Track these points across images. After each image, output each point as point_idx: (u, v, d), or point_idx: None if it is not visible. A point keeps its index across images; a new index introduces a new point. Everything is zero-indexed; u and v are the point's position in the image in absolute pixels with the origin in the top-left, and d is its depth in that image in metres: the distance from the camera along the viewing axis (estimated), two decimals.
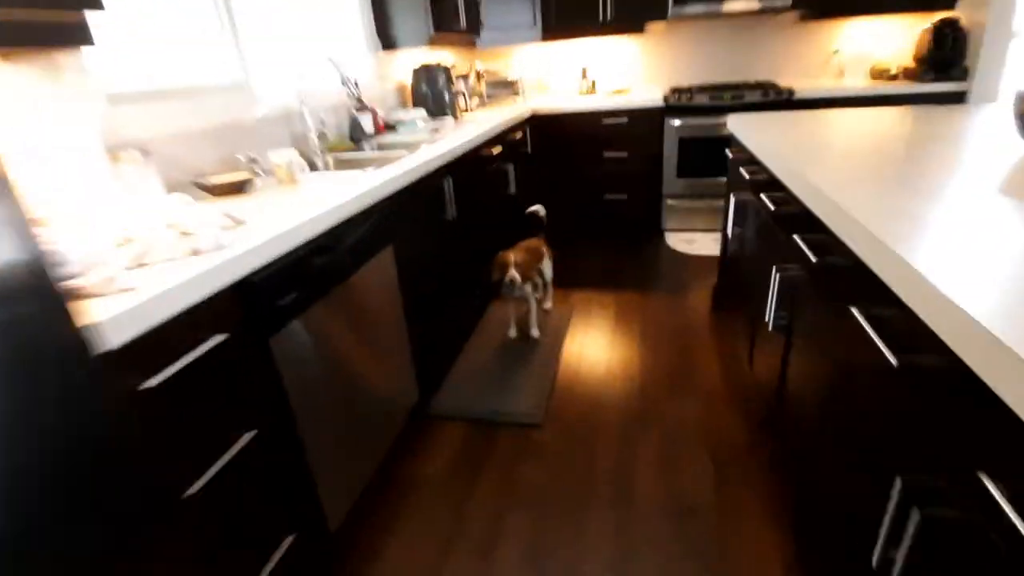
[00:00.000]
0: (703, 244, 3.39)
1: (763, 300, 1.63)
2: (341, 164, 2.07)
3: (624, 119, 3.40)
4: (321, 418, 1.32)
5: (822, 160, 1.32)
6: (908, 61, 3.26)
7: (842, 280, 0.99)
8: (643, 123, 3.38)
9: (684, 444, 1.78)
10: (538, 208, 2.72)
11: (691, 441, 1.79)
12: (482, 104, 3.61)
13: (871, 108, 2.21)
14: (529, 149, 3.47)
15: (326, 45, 2.48)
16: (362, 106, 2.41)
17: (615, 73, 3.89)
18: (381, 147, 2.38)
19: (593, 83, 3.82)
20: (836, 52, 3.49)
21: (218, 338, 0.98)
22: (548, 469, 1.73)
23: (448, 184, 2.09)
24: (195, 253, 1.02)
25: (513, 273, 2.20)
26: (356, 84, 2.39)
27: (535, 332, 2.44)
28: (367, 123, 2.44)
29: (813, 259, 1.07)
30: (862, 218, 0.90)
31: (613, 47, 3.83)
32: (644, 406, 1.98)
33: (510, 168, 2.95)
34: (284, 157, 1.57)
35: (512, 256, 2.24)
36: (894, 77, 3.24)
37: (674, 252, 3.34)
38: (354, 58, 2.62)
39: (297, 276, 1.21)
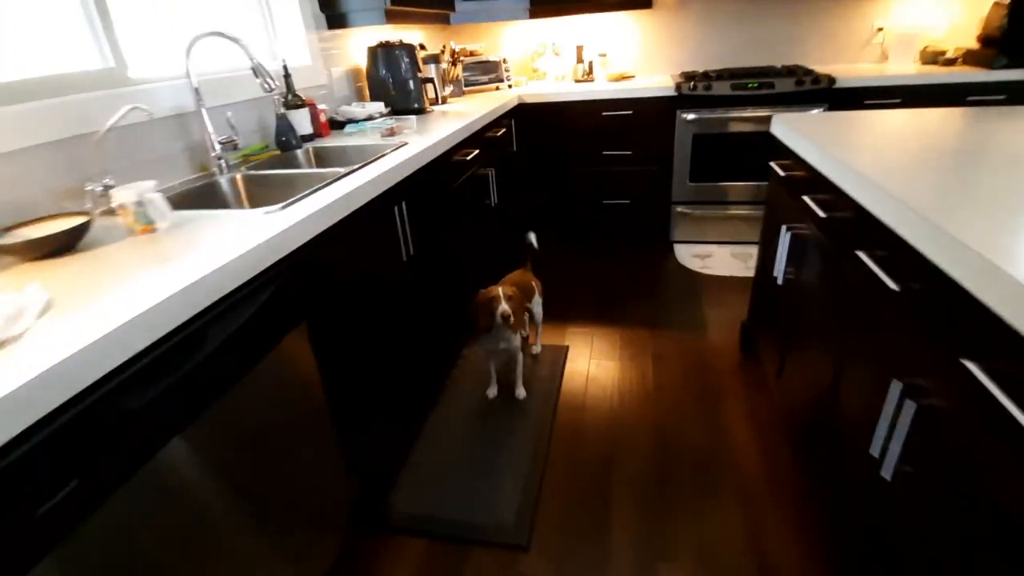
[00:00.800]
0: (720, 260, 2.88)
1: (843, 399, 1.12)
2: (255, 187, 1.52)
3: (628, 111, 2.85)
4: None
5: (981, 205, 0.81)
6: (970, 42, 2.73)
7: None
8: (650, 116, 2.84)
9: None
10: (532, 237, 2.20)
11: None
12: (458, 93, 3.04)
13: (962, 107, 1.70)
14: (514, 146, 2.92)
15: (244, 21, 1.90)
16: (295, 101, 1.85)
17: (617, 55, 3.33)
18: (319, 157, 1.83)
19: (590, 67, 3.26)
20: (879, 31, 2.95)
21: None
22: None
23: (401, 212, 1.55)
24: None
25: (504, 307, 1.68)
26: (286, 73, 1.82)
27: (521, 392, 1.93)
28: (302, 123, 1.88)
29: None
30: None
31: (615, 25, 3.26)
32: (665, 512, 1.48)
33: (491, 174, 2.41)
34: (132, 193, 1.03)
35: (500, 290, 1.73)
36: (952, 62, 2.71)
37: (686, 270, 2.83)
38: (287, 38, 2.04)
39: (104, 434, 0.68)
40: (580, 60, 3.25)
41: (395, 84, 2.35)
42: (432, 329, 1.86)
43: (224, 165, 1.50)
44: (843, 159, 1.16)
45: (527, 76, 3.43)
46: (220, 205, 1.45)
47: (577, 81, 3.25)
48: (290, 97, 1.85)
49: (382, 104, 2.25)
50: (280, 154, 1.74)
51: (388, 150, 1.64)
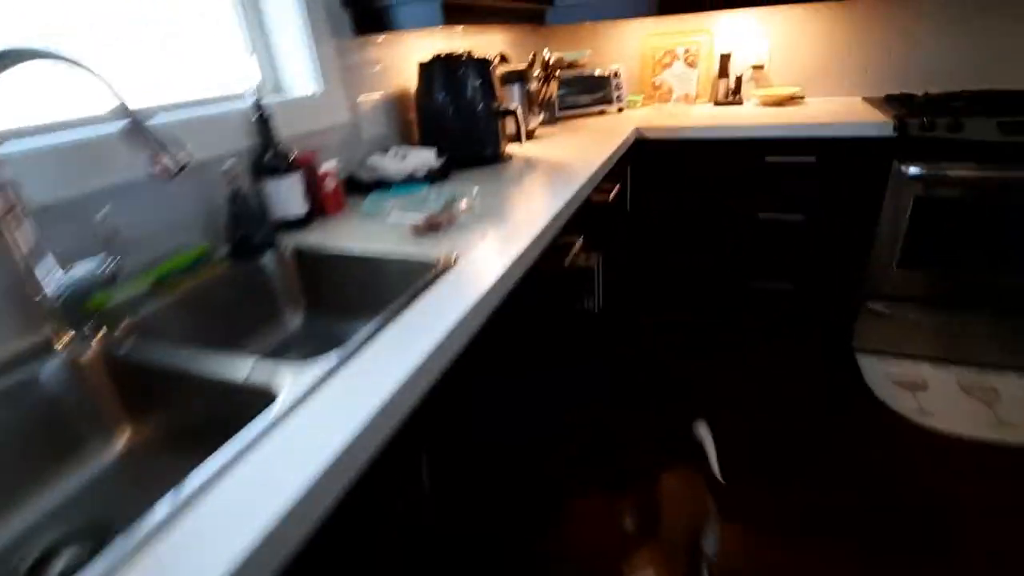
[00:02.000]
0: (943, 398, 1.83)
1: None
2: (126, 393, 0.73)
3: (808, 156, 1.87)
4: None
5: None
6: None
7: None
8: (846, 165, 1.84)
9: None
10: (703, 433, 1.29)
11: None
12: (551, 120, 2.18)
13: None
14: (628, 205, 2.02)
15: (210, 30, 1.14)
16: (273, 162, 1.07)
17: (778, 66, 2.33)
18: (303, 283, 1.03)
19: (738, 84, 2.29)
20: None
21: None
22: None
23: (428, 464, 0.71)
24: None
25: None
26: (260, 115, 1.04)
27: None
28: (288, 198, 1.09)
29: None
30: None
31: (779, 25, 2.27)
32: None
33: (595, 262, 1.53)
34: None
35: None
36: None
37: (885, 408, 1.81)
38: (283, 53, 1.27)
39: None
40: (724, 74, 2.29)
41: (458, 117, 1.53)
42: None
43: (67, 324, 0.72)
44: None
45: (642, 95, 2.50)
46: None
47: (717, 104, 2.30)
48: (268, 156, 1.07)
49: (432, 153, 1.43)
50: (228, 269, 0.95)
51: (434, 265, 0.81)
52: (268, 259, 1.00)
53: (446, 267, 0.88)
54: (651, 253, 2.23)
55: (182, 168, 0.70)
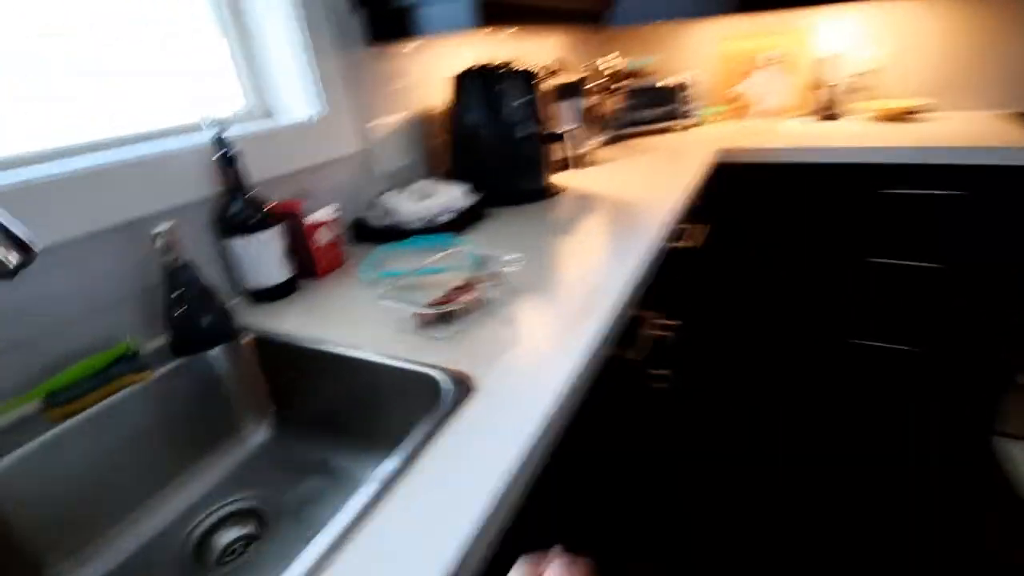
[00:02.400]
0: None
1: None
2: None
3: (954, 189, 1.46)
4: None
5: None
6: None
7: None
8: (1000, 201, 1.42)
9: None
10: None
11: None
12: (611, 140, 1.85)
13: None
14: (706, 242, 1.66)
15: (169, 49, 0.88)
16: (242, 213, 0.80)
17: (887, 74, 1.91)
18: (270, 359, 0.75)
19: (838, 94, 1.89)
20: None
21: None
22: None
23: None
24: None
25: None
26: (224, 152, 0.77)
27: None
28: (261, 262, 0.82)
29: None
30: None
31: (885, 23, 1.85)
32: None
33: (673, 332, 1.18)
34: None
35: None
36: None
37: None
38: (274, 70, 1.00)
39: None
40: (820, 84, 1.90)
41: (496, 144, 1.23)
42: None
43: None
44: None
45: (720, 107, 2.13)
46: None
47: (824, 118, 1.90)
48: (234, 208, 0.80)
49: (461, 190, 1.13)
50: (162, 370, 0.68)
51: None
52: (218, 353, 0.72)
53: (464, 393, 0.57)
54: (728, 299, 1.85)
55: (23, 264, 0.43)
